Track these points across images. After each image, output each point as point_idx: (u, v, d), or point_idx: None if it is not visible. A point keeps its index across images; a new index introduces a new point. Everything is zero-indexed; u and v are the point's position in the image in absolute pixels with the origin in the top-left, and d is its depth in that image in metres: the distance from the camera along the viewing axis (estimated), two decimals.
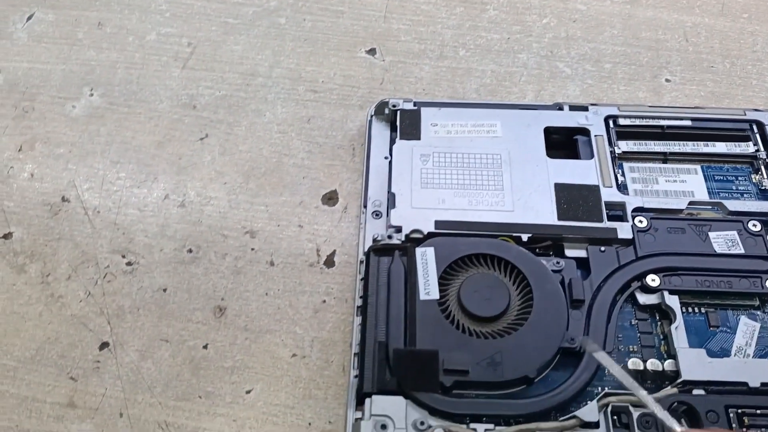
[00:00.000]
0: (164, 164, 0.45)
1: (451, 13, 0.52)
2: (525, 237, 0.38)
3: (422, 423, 0.32)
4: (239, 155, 0.45)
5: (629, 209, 0.39)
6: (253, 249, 0.41)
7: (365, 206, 0.40)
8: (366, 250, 0.38)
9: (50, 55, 0.50)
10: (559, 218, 0.38)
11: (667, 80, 0.48)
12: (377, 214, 0.40)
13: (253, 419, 0.35)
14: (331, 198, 0.43)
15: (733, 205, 0.39)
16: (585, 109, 0.43)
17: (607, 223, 0.38)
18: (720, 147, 0.42)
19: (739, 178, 0.41)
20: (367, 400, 0.33)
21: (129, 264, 0.41)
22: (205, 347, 0.38)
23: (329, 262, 0.41)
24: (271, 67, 0.49)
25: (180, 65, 0.50)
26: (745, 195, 0.40)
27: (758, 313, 0.36)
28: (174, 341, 0.38)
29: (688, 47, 0.50)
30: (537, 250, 0.38)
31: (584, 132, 0.42)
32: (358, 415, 0.33)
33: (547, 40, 0.50)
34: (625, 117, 0.43)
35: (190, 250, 0.41)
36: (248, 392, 0.36)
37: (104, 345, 0.38)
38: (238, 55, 0.50)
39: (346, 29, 0.51)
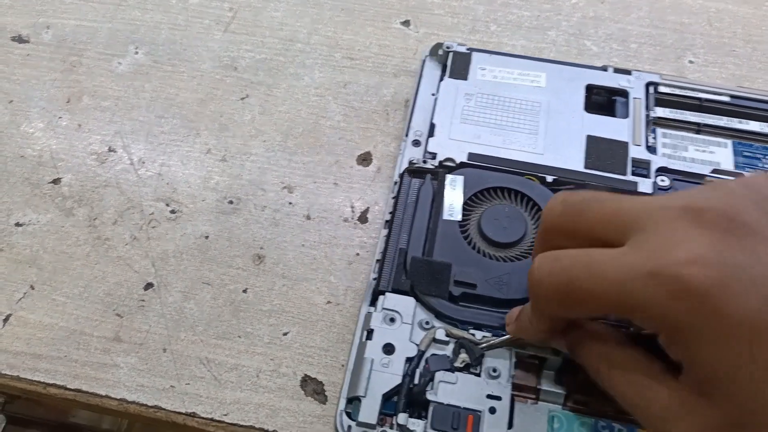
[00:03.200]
0: (206, 121, 0.47)
1: None
2: (550, 179, 0.40)
3: (427, 323, 0.35)
4: (278, 115, 0.47)
5: (653, 168, 0.41)
6: (290, 203, 0.43)
7: (407, 135, 0.43)
8: (401, 171, 0.41)
9: (97, 14, 0.52)
10: (586, 166, 0.41)
11: (691, 62, 0.50)
12: (417, 143, 0.43)
13: (289, 359, 0.37)
14: (365, 159, 0.45)
15: None
16: (628, 73, 0.45)
17: (630, 177, 0.40)
18: (753, 125, 0.44)
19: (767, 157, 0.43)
20: (381, 297, 0.36)
21: (173, 212, 0.42)
22: (244, 291, 0.40)
23: (363, 218, 0.42)
24: (309, 34, 0.51)
25: (222, 29, 0.51)
26: None
27: None
28: (215, 284, 0.40)
29: (712, 31, 0.52)
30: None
31: (624, 94, 0.44)
32: (371, 309, 0.36)
33: (576, 19, 0.52)
34: (666, 85, 0.45)
35: (231, 202, 0.43)
36: (285, 334, 0.38)
37: (149, 285, 0.40)
38: (278, 21, 0.52)
39: (382, 1, 0.53)
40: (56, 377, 0.37)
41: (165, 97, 0.48)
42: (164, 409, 0.36)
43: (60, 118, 0.47)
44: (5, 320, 0.39)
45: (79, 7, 0.53)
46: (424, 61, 0.47)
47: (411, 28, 0.52)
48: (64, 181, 0.44)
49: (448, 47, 0.47)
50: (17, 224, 0.42)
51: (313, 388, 0.37)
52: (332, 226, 0.42)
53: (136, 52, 0.50)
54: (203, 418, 0.36)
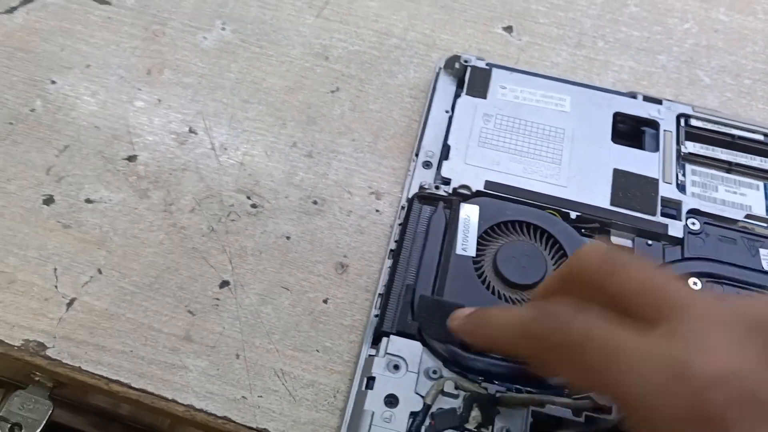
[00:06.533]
0: (294, 111, 0.44)
1: (591, 2, 0.51)
2: (573, 215, 0.37)
3: (435, 372, 0.32)
4: (369, 114, 0.44)
5: (684, 209, 0.38)
6: (377, 210, 0.40)
7: (417, 154, 0.40)
8: (410, 196, 0.38)
9: None
10: (612, 203, 0.38)
11: None
12: (427, 164, 0.40)
13: None
14: None
15: None
16: (659, 102, 0.42)
17: (659, 218, 0.37)
18: None
19: None
20: (384, 339, 0.33)
21: (254, 206, 0.40)
22: (325, 301, 0.37)
23: None
24: (405, 30, 0.48)
25: (314, 13, 0.48)
26: None
27: None
28: (295, 290, 0.37)
29: None
30: (583, 230, 0.37)
31: (653, 125, 0.42)
32: (373, 352, 0.33)
33: (688, 46, 0.49)
34: (697, 118, 0.42)
35: (315, 202, 0.40)
36: None
37: (225, 283, 0.37)
38: (374, 12, 0.49)
39: (484, 2, 0.50)
40: (120, 374, 0.34)
41: (251, 80, 0.45)
42: (233, 422, 0.33)
43: (139, 90, 0.44)
44: (69, 304, 0.36)
45: None
46: (437, 74, 0.44)
47: (513, 35, 0.49)
48: (140, 159, 0.41)
49: (465, 61, 0.43)
50: (87, 200, 0.39)
51: None
52: None
53: (223, 28, 0.47)
54: None
